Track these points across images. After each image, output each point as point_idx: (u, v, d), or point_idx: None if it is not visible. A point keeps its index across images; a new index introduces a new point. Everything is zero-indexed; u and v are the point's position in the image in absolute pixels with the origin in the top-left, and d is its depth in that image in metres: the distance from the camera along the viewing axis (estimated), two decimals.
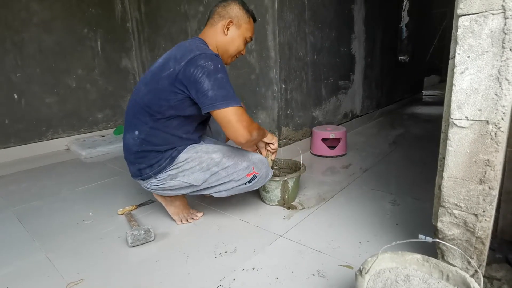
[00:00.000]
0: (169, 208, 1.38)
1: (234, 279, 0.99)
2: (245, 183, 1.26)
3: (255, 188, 1.32)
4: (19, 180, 2.03)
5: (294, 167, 1.62)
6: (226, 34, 1.23)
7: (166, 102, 1.13)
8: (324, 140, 2.23)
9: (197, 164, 1.21)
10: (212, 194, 1.29)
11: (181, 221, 1.36)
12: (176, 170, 1.21)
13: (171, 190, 1.26)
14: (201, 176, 1.21)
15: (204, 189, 1.27)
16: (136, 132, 1.20)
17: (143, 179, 1.26)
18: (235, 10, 1.22)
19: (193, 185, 1.23)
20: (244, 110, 1.11)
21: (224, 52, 1.26)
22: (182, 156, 1.21)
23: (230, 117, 1.06)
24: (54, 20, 2.65)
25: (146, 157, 1.21)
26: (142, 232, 1.19)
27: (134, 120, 1.21)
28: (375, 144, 2.50)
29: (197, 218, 1.39)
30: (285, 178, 1.41)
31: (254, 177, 1.26)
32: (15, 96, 2.50)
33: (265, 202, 1.52)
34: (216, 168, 1.21)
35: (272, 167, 1.50)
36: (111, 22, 3.04)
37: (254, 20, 1.30)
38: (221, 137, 1.56)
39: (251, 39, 1.31)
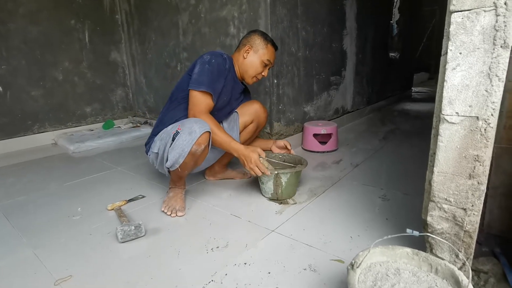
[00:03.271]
0: (166, 195, 1.48)
1: (226, 274, 0.99)
2: (171, 143, 1.28)
3: (186, 150, 1.24)
4: (5, 175, 1.98)
5: (300, 163, 1.56)
6: (245, 57, 1.50)
7: (181, 88, 1.45)
8: (315, 135, 2.24)
9: (160, 134, 1.41)
10: (168, 167, 1.35)
11: (163, 208, 1.40)
12: (152, 143, 1.44)
13: (157, 164, 1.44)
14: (158, 143, 1.39)
15: (166, 161, 1.34)
16: (160, 115, 1.51)
17: (146, 153, 1.54)
18: (254, 38, 1.49)
19: (157, 153, 1.39)
20: (204, 96, 1.35)
21: (245, 73, 1.52)
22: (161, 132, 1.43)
23: (192, 98, 1.36)
24: (41, 10, 2.57)
25: (152, 136, 1.49)
26: (133, 227, 1.18)
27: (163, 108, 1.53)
28: (366, 140, 2.52)
29: (174, 215, 1.36)
30: (276, 172, 1.39)
31: (176, 133, 1.28)
32: (0, 89, 2.43)
33: (262, 194, 1.53)
34: (164, 135, 1.37)
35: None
36: (99, 13, 2.97)
37: (275, 47, 1.53)
38: (234, 136, 1.55)
39: (270, 63, 1.53)
